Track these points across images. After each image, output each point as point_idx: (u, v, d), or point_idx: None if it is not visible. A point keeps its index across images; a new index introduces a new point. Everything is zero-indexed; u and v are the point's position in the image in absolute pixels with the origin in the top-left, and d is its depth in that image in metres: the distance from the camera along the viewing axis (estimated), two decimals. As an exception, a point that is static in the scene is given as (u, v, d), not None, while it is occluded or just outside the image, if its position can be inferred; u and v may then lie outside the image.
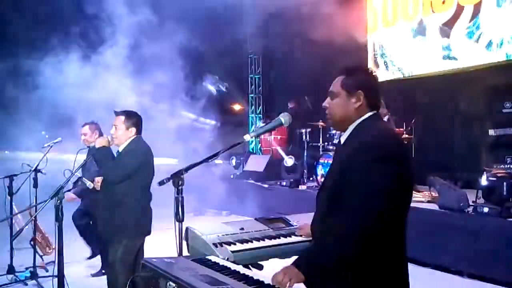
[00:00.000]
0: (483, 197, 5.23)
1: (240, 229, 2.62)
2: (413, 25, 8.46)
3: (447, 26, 7.75)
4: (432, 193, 5.99)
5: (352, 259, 1.88)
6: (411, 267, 2.07)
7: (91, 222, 5.39)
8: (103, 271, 5.25)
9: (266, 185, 8.75)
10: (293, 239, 2.62)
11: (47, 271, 5.37)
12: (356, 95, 2.09)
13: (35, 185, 5.11)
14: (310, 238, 2.41)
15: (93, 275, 5.37)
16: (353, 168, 1.92)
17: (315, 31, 8.38)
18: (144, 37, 8.19)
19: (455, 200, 5.27)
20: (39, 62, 7.50)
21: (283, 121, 2.33)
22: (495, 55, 7.05)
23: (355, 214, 1.85)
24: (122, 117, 3.76)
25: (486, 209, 4.97)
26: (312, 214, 2.27)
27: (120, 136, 3.74)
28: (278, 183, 8.64)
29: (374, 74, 2.21)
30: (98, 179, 3.85)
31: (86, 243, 5.70)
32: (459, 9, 7.53)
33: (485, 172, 5.16)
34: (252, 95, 13.00)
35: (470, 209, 5.19)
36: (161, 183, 2.38)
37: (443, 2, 7.84)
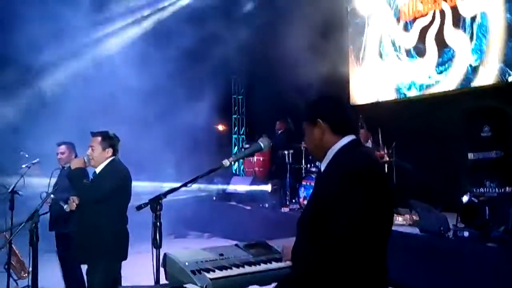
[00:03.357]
0: (462, 221, 5.26)
1: (220, 255, 2.57)
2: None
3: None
4: (413, 216, 6.01)
5: (330, 285, 1.88)
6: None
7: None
8: None
9: (248, 207, 8.70)
10: (274, 265, 2.58)
11: (21, 295, 5.21)
12: (317, 124, 2.16)
13: (11, 207, 4.99)
14: (291, 264, 2.39)
15: None
16: (331, 194, 1.95)
17: (298, 55, 8.51)
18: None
19: (435, 223, 5.29)
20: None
21: (262, 146, 2.35)
22: (474, 79, 7.21)
23: (332, 240, 1.88)
24: (99, 138, 3.72)
25: (466, 233, 5.00)
26: (293, 238, 2.27)
27: (97, 157, 3.70)
28: (260, 205, 8.60)
29: (335, 99, 2.26)
30: (74, 199, 3.76)
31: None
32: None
33: (465, 196, 5.21)
34: (235, 116, 13.03)
35: (451, 233, 5.22)
36: (138, 208, 2.35)
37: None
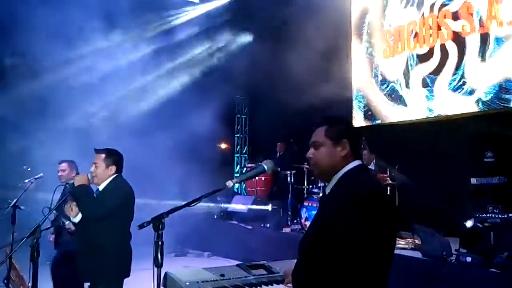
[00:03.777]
0: (464, 246, 5.23)
1: (221, 275, 2.57)
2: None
3: (431, 75, 7.98)
4: (415, 240, 5.97)
5: None
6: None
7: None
8: None
9: (249, 227, 8.66)
10: (275, 287, 2.58)
11: (19, 311, 5.16)
12: (342, 144, 2.14)
13: (13, 222, 4.99)
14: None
15: None
16: (334, 219, 1.94)
17: (301, 76, 8.58)
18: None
19: (438, 248, 5.25)
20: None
21: (266, 168, 2.36)
22: (477, 104, 7.24)
23: (332, 261, 1.88)
24: (103, 155, 3.73)
25: (469, 259, 4.96)
26: (295, 261, 2.26)
27: (100, 174, 3.70)
28: (262, 225, 8.56)
29: (354, 124, 2.28)
30: (73, 207, 3.71)
31: None
32: (443, 59, 7.77)
33: (468, 221, 5.19)
34: (238, 135, 13.07)
35: (453, 257, 5.18)
36: (141, 226, 2.35)
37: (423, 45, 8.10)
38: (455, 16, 7.56)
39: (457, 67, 7.54)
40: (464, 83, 7.45)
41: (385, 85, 8.89)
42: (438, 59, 7.86)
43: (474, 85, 7.30)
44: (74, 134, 7.56)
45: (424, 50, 8.14)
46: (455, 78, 7.58)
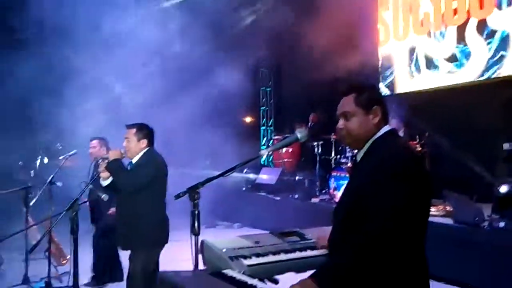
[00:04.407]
0: (497, 211, 5.17)
1: (255, 242, 2.61)
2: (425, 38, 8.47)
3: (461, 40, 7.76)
4: (447, 207, 5.93)
5: (370, 275, 1.87)
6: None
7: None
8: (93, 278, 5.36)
9: (278, 198, 8.73)
10: (309, 253, 2.60)
11: (61, 281, 5.41)
12: (373, 111, 2.11)
13: (51, 197, 5.17)
14: (326, 252, 2.41)
15: (87, 285, 5.36)
16: (370, 186, 1.92)
17: (327, 46, 8.45)
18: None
19: (470, 214, 5.21)
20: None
21: (299, 136, 2.34)
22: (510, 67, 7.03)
23: (372, 231, 1.85)
24: (134, 130, 3.83)
25: (502, 224, 4.91)
26: (327, 228, 2.28)
27: (132, 149, 3.80)
28: (290, 195, 8.62)
29: (379, 89, 2.24)
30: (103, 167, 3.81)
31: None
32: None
33: (503, 186, 5.11)
34: (263, 107, 13.04)
35: (486, 223, 5.13)
36: (177, 196, 2.41)
37: (455, 14, 7.85)
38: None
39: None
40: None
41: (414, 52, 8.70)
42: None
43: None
44: (103, 109, 7.66)
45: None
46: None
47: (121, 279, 5.34)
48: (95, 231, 5.47)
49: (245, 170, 9.94)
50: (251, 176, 9.84)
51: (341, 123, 2.15)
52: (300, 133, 2.35)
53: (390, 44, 9.22)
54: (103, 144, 5.35)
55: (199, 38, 9.05)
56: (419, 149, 6.83)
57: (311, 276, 1.86)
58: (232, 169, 2.37)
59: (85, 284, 5.37)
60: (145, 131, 3.86)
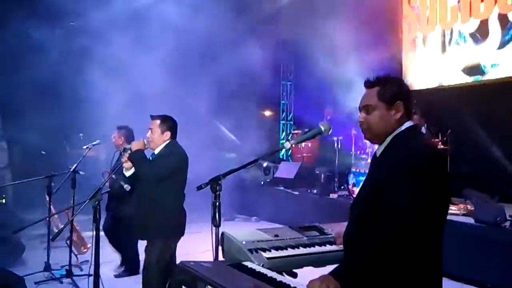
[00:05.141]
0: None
1: (275, 236, 2.62)
2: (449, 34, 8.32)
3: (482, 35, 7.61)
4: (467, 206, 5.85)
5: (389, 273, 1.86)
6: (443, 281, 2.03)
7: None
8: (125, 271, 5.42)
9: (296, 192, 8.73)
10: (328, 248, 2.61)
11: (81, 270, 5.51)
12: (396, 106, 2.07)
13: (73, 186, 5.26)
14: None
15: (116, 276, 5.45)
16: (390, 182, 1.89)
17: (348, 41, 8.38)
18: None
19: (491, 214, 5.13)
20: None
21: (323, 129, 2.34)
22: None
23: (392, 229, 1.83)
24: (158, 121, 3.87)
25: (524, 224, 4.83)
26: (346, 223, 2.27)
27: (156, 140, 3.85)
28: (308, 190, 8.61)
29: (406, 83, 2.19)
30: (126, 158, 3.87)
31: (116, 250, 5.64)
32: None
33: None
34: (283, 101, 13.01)
35: (507, 223, 5.05)
36: (199, 188, 2.43)
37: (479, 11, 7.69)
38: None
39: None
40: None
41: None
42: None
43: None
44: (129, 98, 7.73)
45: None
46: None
47: (137, 272, 5.37)
48: (105, 222, 5.47)
49: (265, 164, 9.94)
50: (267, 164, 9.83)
51: (361, 116, 2.13)
52: (324, 126, 2.35)
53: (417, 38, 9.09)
54: (123, 134, 5.39)
55: (220, 31, 9.08)
56: (441, 146, 6.74)
57: (331, 273, 1.86)
58: (253, 162, 2.38)
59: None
60: (169, 123, 3.90)
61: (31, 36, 8.05)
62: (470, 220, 5.45)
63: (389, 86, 2.09)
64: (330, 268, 1.94)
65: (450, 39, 8.30)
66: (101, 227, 5.16)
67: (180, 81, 8.48)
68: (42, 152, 9.46)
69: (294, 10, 10.32)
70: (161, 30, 8.24)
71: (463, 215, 5.78)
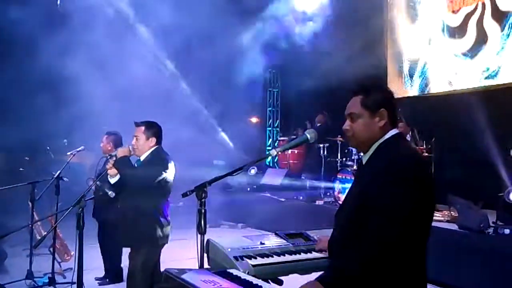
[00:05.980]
0: (502, 218, 5.15)
1: (261, 243, 2.62)
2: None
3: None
4: (451, 212, 5.91)
5: (375, 279, 1.86)
6: (428, 287, 2.05)
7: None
8: (107, 279, 5.36)
9: (282, 199, 8.73)
10: (314, 255, 2.60)
11: (65, 277, 5.43)
12: (379, 113, 2.07)
13: (57, 192, 5.19)
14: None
15: (100, 284, 5.38)
16: (375, 190, 1.90)
17: (333, 48, 8.45)
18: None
19: (475, 220, 5.19)
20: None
21: (309, 137, 2.34)
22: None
23: (378, 237, 1.84)
24: (142, 127, 3.85)
25: (507, 231, 4.89)
26: (331, 230, 2.27)
27: (141, 146, 3.82)
28: (295, 197, 8.61)
29: (391, 91, 2.21)
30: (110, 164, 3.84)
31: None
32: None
33: (509, 194, 5.09)
34: (270, 108, 13.04)
35: (491, 230, 5.11)
36: (184, 195, 2.41)
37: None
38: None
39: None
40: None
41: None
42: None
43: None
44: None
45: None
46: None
47: (121, 280, 5.32)
48: (101, 233, 5.45)
49: (252, 171, 9.92)
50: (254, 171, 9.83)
51: (346, 123, 2.14)
52: (309, 134, 2.35)
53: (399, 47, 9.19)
54: (112, 140, 5.35)
55: (206, 34, 9.07)
56: (425, 153, 6.81)
57: (317, 279, 1.86)
58: (240, 169, 2.37)
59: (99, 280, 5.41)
60: (154, 129, 3.87)
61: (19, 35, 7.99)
62: (454, 227, 5.50)
63: (372, 94, 2.10)
64: (316, 275, 1.94)
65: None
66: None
67: (167, 86, 8.45)
68: (26, 158, 9.33)
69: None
70: (146, 32, 8.23)
71: (447, 221, 5.85)
